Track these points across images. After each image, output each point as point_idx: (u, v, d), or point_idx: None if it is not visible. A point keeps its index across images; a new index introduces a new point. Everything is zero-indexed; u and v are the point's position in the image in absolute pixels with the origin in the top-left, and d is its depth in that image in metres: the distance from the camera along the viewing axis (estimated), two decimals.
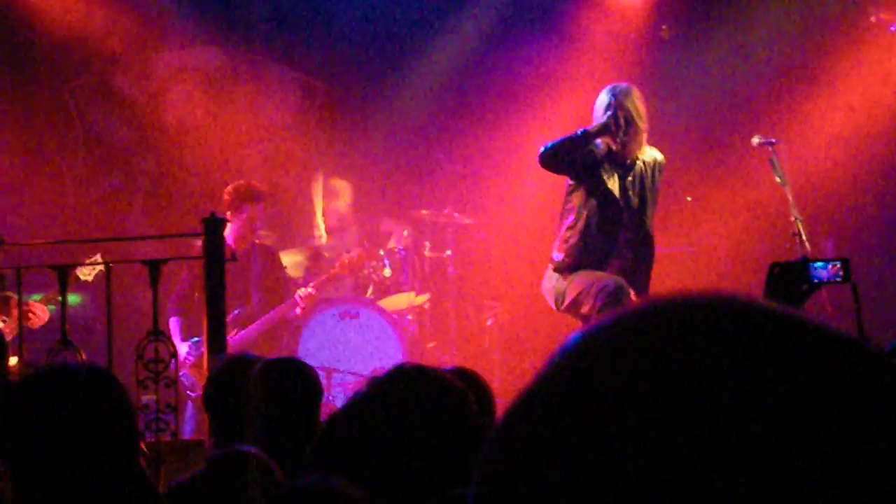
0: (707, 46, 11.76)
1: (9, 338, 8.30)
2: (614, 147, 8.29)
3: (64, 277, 6.84)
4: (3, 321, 8.54)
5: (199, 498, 3.17)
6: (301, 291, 9.84)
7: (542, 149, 8.28)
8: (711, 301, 0.93)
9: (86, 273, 8.82)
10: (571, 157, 8.24)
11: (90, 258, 8.67)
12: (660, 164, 8.51)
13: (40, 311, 8.72)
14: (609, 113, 8.23)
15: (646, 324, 0.92)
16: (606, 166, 8.31)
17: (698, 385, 0.86)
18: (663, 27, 11.78)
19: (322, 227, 11.23)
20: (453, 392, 2.90)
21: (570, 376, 0.91)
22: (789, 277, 4.63)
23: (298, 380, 4.43)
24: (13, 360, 7.70)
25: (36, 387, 2.94)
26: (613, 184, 8.31)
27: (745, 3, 11.64)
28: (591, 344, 0.93)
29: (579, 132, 8.26)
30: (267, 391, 4.36)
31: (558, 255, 8.41)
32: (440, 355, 10.49)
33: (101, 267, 8.81)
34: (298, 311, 9.81)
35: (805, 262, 4.82)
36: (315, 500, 1.85)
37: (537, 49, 11.86)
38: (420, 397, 2.87)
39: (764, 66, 11.58)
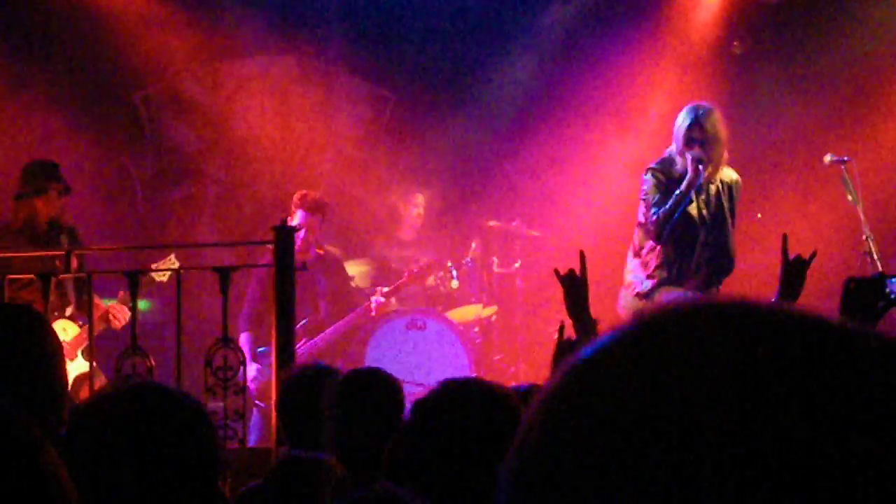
0: (779, 63, 11.70)
1: (83, 345, 8.35)
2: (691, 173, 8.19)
3: (135, 283, 6.87)
4: (80, 325, 8.59)
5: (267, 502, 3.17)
6: (373, 298, 9.86)
7: (653, 229, 8.23)
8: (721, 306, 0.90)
9: (160, 274, 8.88)
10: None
11: (165, 259, 8.72)
12: (737, 185, 8.39)
13: (120, 314, 8.70)
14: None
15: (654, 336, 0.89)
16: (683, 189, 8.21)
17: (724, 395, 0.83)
18: (735, 42, 11.72)
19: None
20: (502, 403, 2.90)
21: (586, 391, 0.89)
22: (865, 293, 4.58)
23: (382, 391, 4.42)
24: (85, 366, 7.74)
25: (117, 408, 2.67)
26: (690, 205, 8.21)
27: (816, 20, 11.55)
28: (608, 354, 0.90)
29: (675, 196, 8.18)
30: (350, 400, 4.36)
31: (644, 281, 8.29)
32: (507, 367, 10.46)
33: (174, 266, 8.87)
34: (374, 313, 9.82)
35: (882, 278, 4.78)
36: None
37: (607, 64, 11.81)
38: (468, 410, 2.87)
39: (836, 84, 11.49)
